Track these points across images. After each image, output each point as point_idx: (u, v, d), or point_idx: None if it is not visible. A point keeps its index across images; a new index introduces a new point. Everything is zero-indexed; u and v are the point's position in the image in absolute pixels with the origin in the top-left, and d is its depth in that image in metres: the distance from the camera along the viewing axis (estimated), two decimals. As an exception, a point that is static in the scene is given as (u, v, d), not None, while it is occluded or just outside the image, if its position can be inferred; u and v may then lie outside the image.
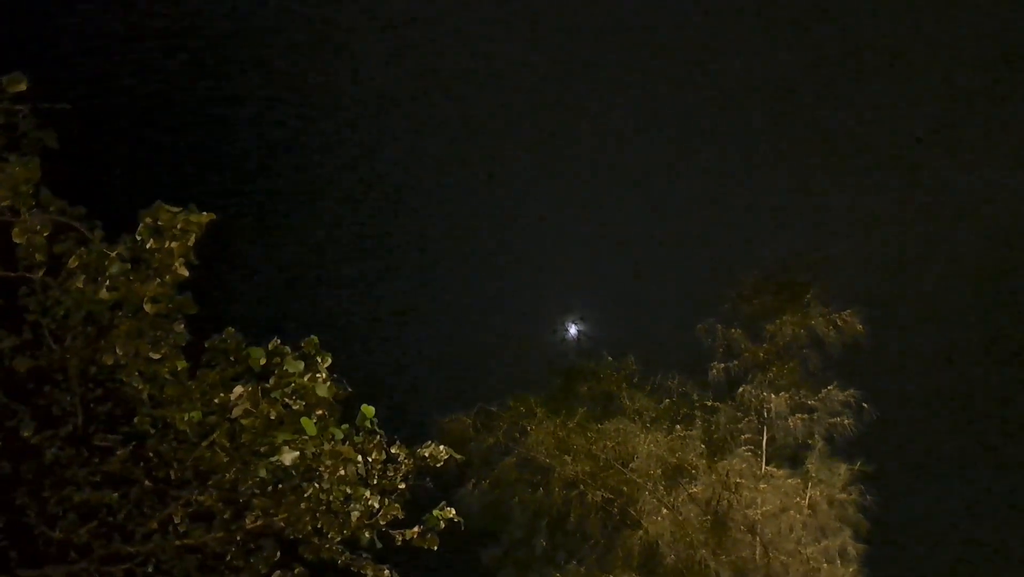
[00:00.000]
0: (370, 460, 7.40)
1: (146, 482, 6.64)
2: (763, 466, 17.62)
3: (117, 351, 6.05)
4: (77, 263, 5.89)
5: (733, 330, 18.42)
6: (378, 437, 7.46)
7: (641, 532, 16.72)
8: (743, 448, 17.76)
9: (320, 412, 6.86)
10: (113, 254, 5.84)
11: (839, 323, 18.20)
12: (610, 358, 18.50)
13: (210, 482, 6.64)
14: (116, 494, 6.63)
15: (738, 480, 17.08)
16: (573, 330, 20.27)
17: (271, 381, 6.92)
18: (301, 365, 6.91)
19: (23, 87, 6.04)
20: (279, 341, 7.22)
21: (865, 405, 17.97)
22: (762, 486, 17.11)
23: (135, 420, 6.43)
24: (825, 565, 17.05)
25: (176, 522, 6.78)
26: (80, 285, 5.90)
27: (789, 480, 17.42)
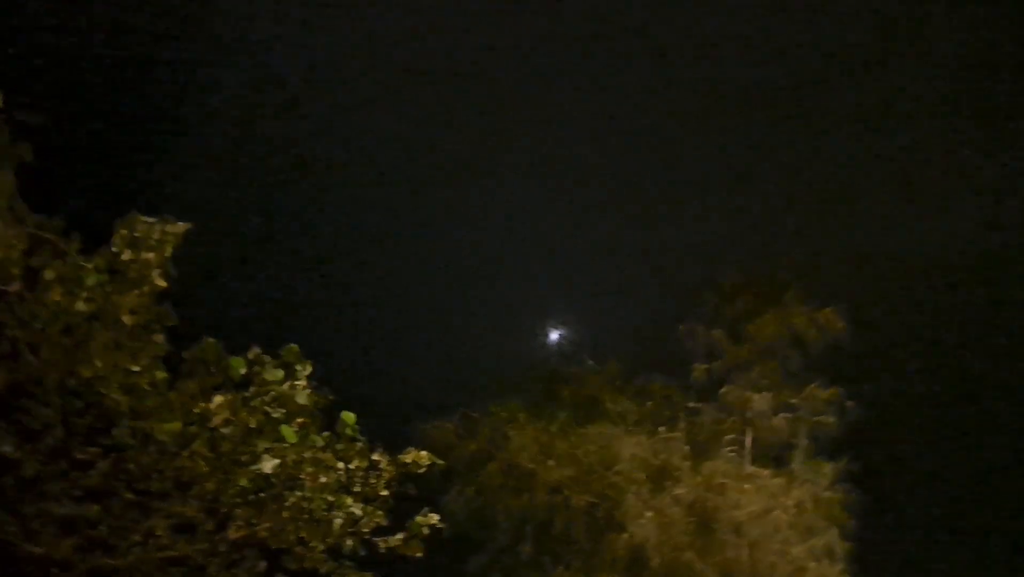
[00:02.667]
0: (352, 467, 7.42)
1: (127, 494, 6.63)
2: (748, 466, 17.68)
3: (96, 363, 6.05)
4: (54, 275, 5.89)
5: (714, 331, 18.50)
6: (359, 444, 7.48)
7: (626, 535, 16.72)
8: (727, 449, 17.81)
9: (301, 420, 6.88)
10: (90, 266, 5.84)
11: (820, 321, 18.32)
12: (591, 362, 18.54)
13: (191, 493, 6.64)
14: (97, 507, 6.62)
15: (722, 481, 17.12)
16: (554, 335, 20.31)
17: (251, 390, 6.93)
18: (281, 374, 6.93)
19: (-2, 103, 6.05)
20: (259, 350, 7.24)
21: (848, 403, 18.09)
22: (747, 486, 17.16)
23: (115, 432, 6.43)
24: (812, 564, 17.10)
25: (158, 534, 6.77)
26: (57, 297, 5.90)
27: (774, 480, 17.47)
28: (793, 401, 18.10)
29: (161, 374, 6.49)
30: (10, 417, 6.60)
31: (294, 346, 7.37)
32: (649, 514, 16.66)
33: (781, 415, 18.07)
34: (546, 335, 20.44)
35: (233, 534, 7.04)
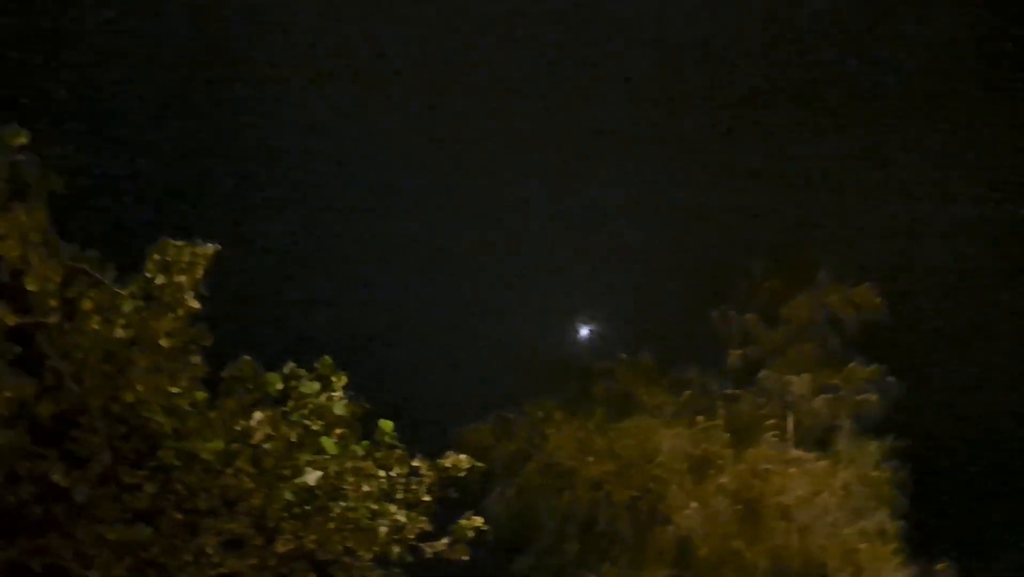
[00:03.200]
0: (393, 474, 7.48)
1: (176, 514, 6.74)
2: (791, 451, 17.51)
3: (137, 387, 6.17)
4: (91, 305, 6.02)
5: (748, 316, 18.36)
6: (399, 451, 7.54)
7: (672, 527, 16.65)
8: (769, 434, 17.66)
9: (340, 431, 6.96)
10: (125, 293, 5.97)
11: (855, 299, 18.10)
12: (624, 356, 18.47)
13: (238, 509, 6.73)
14: (148, 529, 6.73)
15: (767, 467, 16.98)
16: (584, 330, 20.26)
17: (289, 404, 7.03)
18: (317, 386, 7.02)
19: (24, 140, 6.20)
20: (294, 365, 7.34)
21: (890, 379, 17.84)
22: (792, 471, 16.99)
23: (160, 454, 6.54)
24: (863, 545, 16.90)
25: (208, 552, 6.87)
26: (96, 326, 6.03)
27: (819, 463, 17.30)
28: (833, 381, 17.91)
29: (201, 394, 6.60)
30: (58, 446, 6.74)
31: (328, 358, 7.45)
32: (694, 505, 16.57)
33: (822, 397, 17.89)
34: (576, 331, 20.43)
35: (281, 548, 7.13)
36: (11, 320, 6.16)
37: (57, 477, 6.63)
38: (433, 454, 8.27)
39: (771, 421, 17.79)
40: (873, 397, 17.79)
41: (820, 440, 18.09)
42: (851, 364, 17.95)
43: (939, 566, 17.56)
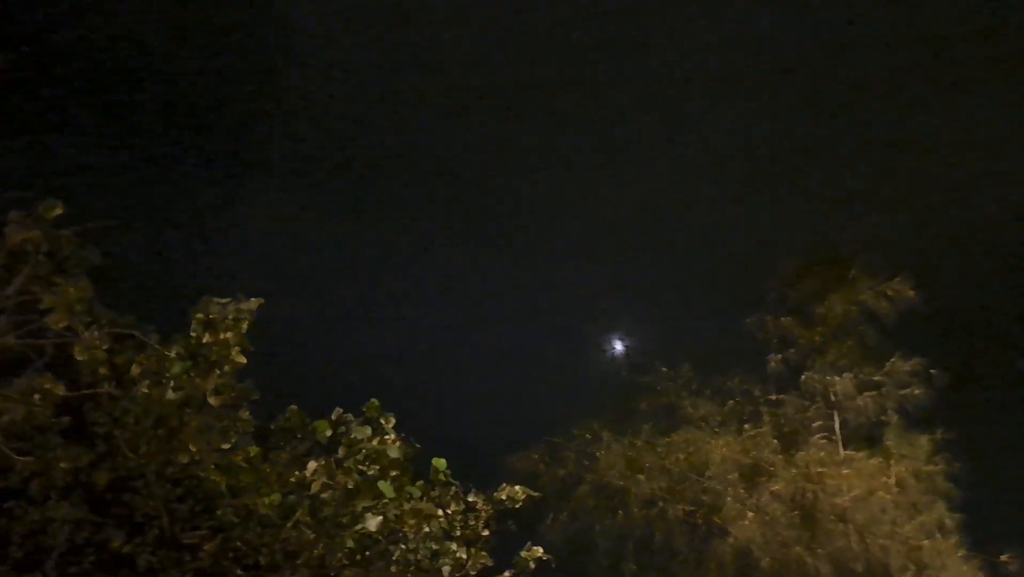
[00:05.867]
0: (450, 512, 7.42)
1: (238, 572, 6.70)
2: (841, 451, 17.20)
3: (191, 448, 6.16)
4: (139, 370, 6.04)
5: (784, 319, 18.14)
6: (454, 488, 7.48)
7: (730, 539, 16.37)
8: (817, 436, 17.37)
9: (394, 473, 6.91)
10: (172, 355, 5.98)
11: (889, 293, 17.83)
12: (664, 369, 18.30)
13: (299, 561, 6.69)
14: (211, 589, 6.70)
15: (819, 469, 16.67)
16: (619, 346, 20.10)
17: (341, 451, 7.00)
18: (368, 430, 6.99)
19: (60, 211, 6.27)
20: (341, 411, 7.32)
21: (933, 372, 17.51)
22: (844, 471, 16.67)
23: (218, 512, 6.52)
24: (925, 541, 16.50)
25: (273, 607, 6.82)
26: (146, 390, 6.04)
27: (871, 461, 16.95)
28: (876, 378, 17.59)
29: (253, 449, 6.60)
30: (116, 513, 6.75)
31: (375, 401, 7.44)
32: (750, 514, 16.28)
33: (866, 394, 17.56)
34: (612, 348, 20.28)
35: (344, 596, 7.06)
36: (61, 392, 6.20)
37: (117, 544, 6.63)
38: (485, 486, 8.21)
39: (818, 423, 17.50)
40: (918, 390, 17.45)
41: (868, 438, 17.76)
42: (892, 358, 17.63)
43: (1003, 557, 17.09)
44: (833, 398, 17.51)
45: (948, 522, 16.89)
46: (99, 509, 6.75)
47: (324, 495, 6.50)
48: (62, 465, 6.51)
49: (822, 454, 16.92)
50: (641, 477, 16.89)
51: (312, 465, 6.57)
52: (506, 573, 7.90)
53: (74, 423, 6.66)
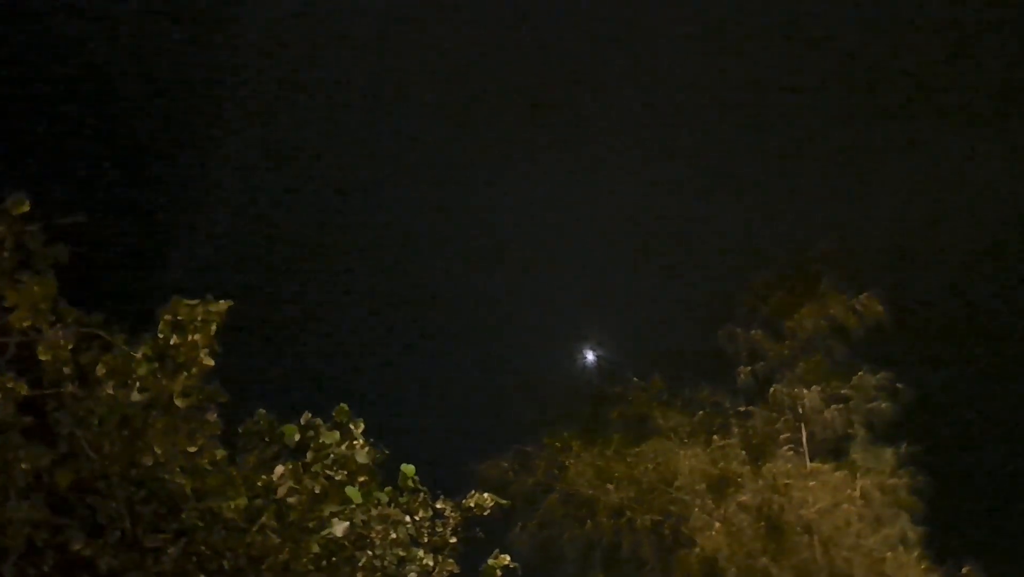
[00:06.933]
0: (418, 518, 7.39)
1: (201, 576, 6.61)
2: (808, 463, 17.39)
3: (156, 450, 6.08)
4: (105, 370, 5.95)
5: (754, 332, 18.33)
6: (422, 495, 7.45)
7: (697, 549, 16.47)
8: (784, 448, 17.56)
9: (362, 478, 6.87)
10: (139, 355, 5.90)
11: (858, 308, 18.10)
12: (635, 379, 18.40)
13: (264, 566, 6.61)
14: (173, 593, 6.60)
15: (786, 481, 16.85)
16: (591, 356, 20.17)
17: (309, 456, 6.94)
18: (337, 435, 6.94)
19: (26, 208, 6.17)
20: (310, 415, 7.26)
21: (899, 386, 17.78)
22: (811, 484, 16.87)
23: (182, 516, 6.43)
24: (888, 554, 16.72)
25: (236, 612, 6.74)
26: (111, 391, 5.95)
27: (836, 473, 17.18)
28: (844, 391, 17.84)
29: (220, 452, 6.52)
30: (77, 514, 6.63)
31: (344, 406, 7.39)
32: (717, 525, 16.41)
33: (833, 407, 17.81)
34: (584, 358, 20.34)
35: (308, 602, 6.99)
36: (24, 391, 6.09)
37: (78, 546, 6.51)
38: (455, 493, 8.19)
39: (785, 435, 17.70)
40: (884, 404, 17.71)
41: (835, 450, 18.00)
42: (860, 372, 17.88)
43: (964, 570, 17.37)
44: (801, 411, 17.73)
45: (911, 535, 17.15)
46: (60, 510, 6.63)
47: (291, 500, 6.44)
48: (23, 465, 6.39)
49: (789, 466, 17.12)
50: (610, 487, 16.97)
51: (279, 469, 6.50)
52: (473, 581, 7.88)
53: (36, 423, 6.54)
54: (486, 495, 7.96)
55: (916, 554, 16.92)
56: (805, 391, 17.68)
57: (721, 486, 16.83)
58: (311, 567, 6.73)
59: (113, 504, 6.54)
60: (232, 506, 6.36)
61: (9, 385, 5.90)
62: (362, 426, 7.24)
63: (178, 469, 6.36)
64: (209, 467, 6.42)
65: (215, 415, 6.64)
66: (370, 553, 6.84)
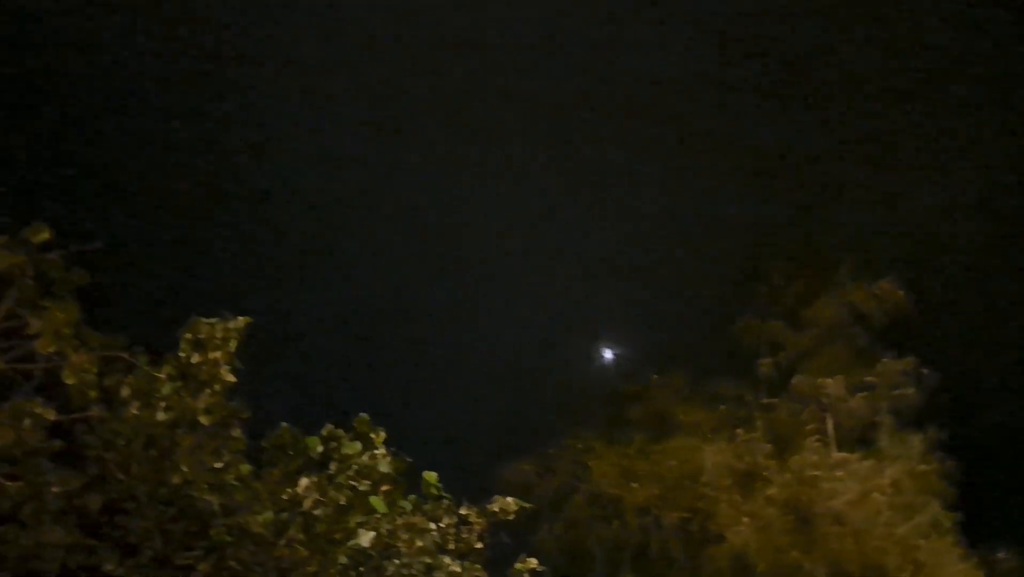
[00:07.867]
0: (443, 525, 7.42)
1: (232, 591, 6.69)
2: (835, 453, 17.24)
3: (183, 468, 6.17)
4: (130, 391, 6.05)
5: (773, 323, 18.21)
6: (446, 501, 7.49)
7: (726, 545, 16.37)
8: (810, 439, 17.40)
9: (386, 488, 6.92)
10: (162, 375, 5.99)
11: (878, 294, 17.94)
12: (655, 376, 18.32)
13: (293, 578, 6.68)
14: (205, 609, 6.68)
15: (813, 473, 16.70)
16: (609, 355, 20.10)
17: (332, 467, 7.01)
18: (359, 446, 7.00)
19: (46, 236, 6.28)
20: (332, 426, 7.33)
21: (924, 371, 17.59)
22: (838, 474, 16.70)
23: (211, 532, 6.51)
24: (921, 542, 16.53)
25: (268, 625, 6.80)
26: (136, 412, 6.05)
27: (864, 462, 16.99)
28: (868, 379, 17.65)
29: (245, 467, 6.60)
30: (109, 536, 6.73)
31: (364, 416, 7.45)
32: (745, 520, 16.29)
33: (858, 395, 17.63)
34: (601, 357, 20.28)
35: (339, 612, 7.05)
36: (51, 416, 6.20)
37: (111, 567, 6.61)
38: (478, 498, 8.21)
39: (810, 426, 17.53)
40: (909, 390, 17.51)
41: (861, 439, 17.80)
42: (883, 359, 17.70)
43: (999, 555, 17.15)
44: (825, 400, 17.56)
45: (943, 521, 16.94)
46: (92, 532, 6.74)
47: (317, 511, 6.51)
48: (54, 489, 6.50)
49: (816, 457, 16.96)
50: (635, 485, 16.89)
51: (304, 482, 6.57)
52: (501, 585, 7.90)
53: (65, 446, 6.65)
54: (510, 499, 7.98)
55: (949, 541, 16.72)
56: (828, 380, 17.52)
57: (748, 480, 16.71)
58: (339, 578, 6.80)
59: (143, 524, 6.64)
60: (259, 520, 6.44)
61: (36, 410, 6.01)
62: (383, 435, 7.29)
63: (205, 486, 6.45)
64: (236, 483, 6.50)
65: (239, 430, 6.73)
66: (397, 562, 6.89)
